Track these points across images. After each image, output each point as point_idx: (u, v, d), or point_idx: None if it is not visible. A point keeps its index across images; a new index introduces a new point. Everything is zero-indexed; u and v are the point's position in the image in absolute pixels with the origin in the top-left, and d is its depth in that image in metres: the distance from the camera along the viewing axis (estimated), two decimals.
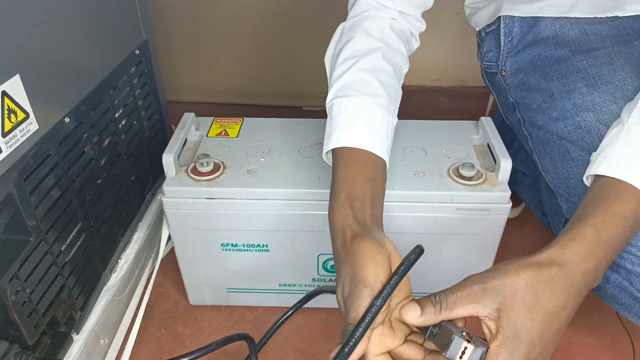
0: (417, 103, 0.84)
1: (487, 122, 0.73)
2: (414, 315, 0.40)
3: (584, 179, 0.51)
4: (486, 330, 0.39)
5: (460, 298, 0.39)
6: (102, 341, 0.67)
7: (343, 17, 0.64)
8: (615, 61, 0.60)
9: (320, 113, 0.95)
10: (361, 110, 0.53)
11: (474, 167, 0.65)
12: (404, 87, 0.61)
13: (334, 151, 0.53)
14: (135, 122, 0.76)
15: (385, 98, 0.55)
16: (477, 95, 0.79)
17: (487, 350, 0.38)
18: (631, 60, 0.59)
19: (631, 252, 0.52)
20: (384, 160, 0.53)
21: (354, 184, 0.49)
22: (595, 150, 0.55)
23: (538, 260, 0.40)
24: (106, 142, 0.68)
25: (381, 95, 0.54)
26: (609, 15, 0.64)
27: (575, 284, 0.40)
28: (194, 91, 1.30)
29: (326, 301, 0.76)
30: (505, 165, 0.64)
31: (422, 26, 0.66)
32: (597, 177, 0.48)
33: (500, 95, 0.76)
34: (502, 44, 0.71)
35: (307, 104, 1.29)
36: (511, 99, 0.72)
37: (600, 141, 0.55)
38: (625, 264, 0.53)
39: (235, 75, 1.28)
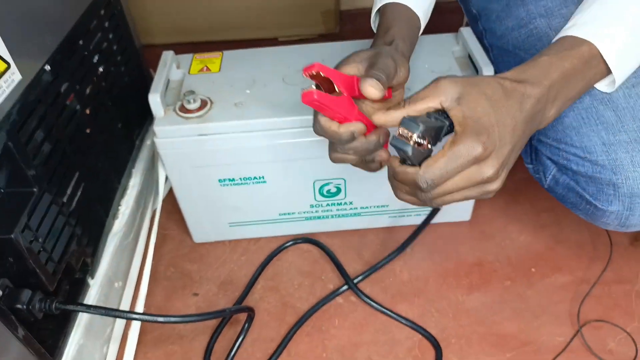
0: None
1: (466, 32, 0.73)
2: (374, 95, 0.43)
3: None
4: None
5: (425, 91, 0.42)
6: (116, 284, 0.70)
7: None
8: None
9: (296, 44, 0.93)
10: None
11: None
12: None
13: (379, 11, 0.59)
14: (112, 67, 0.75)
15: None
16: (453, 9, 0.79)
17: (449, 126, 0.41)
18: None
19: (576, 154, 0.56)
20: (419, 18, 0.58)
21: (388, 30, 0.55)
22: None
23: (497, 75, 0.44)
24: (88, 90, 0.67)
25: None
26: None
27: (528, 98, 0.43)
28: (165, 32, 1.26)
29: (324, 226, 0.80)
30: (488, 73, 0.66)
31: None
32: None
33: (466, 7, 0.76)
34: None
35: (282, 35, 1.26)
36: (474, 10, 0.72)
37: None
38: (571, 165, 0.57)
39: (205, 12, 1.23)
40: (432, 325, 0.70)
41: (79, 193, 0.62)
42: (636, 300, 0.72)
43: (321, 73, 0.43)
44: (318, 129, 0.47)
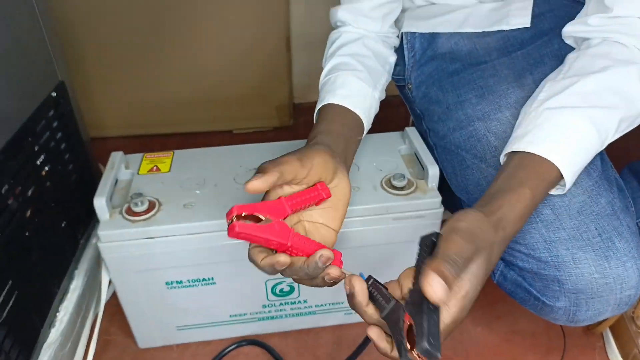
0: None
1: (411, 132, 0.77)
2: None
3: (501, 158, 0.55)
4: None
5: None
6: None
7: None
8: (499, 72, 0.66)
9: (251, 136, 0.94)
10: (343, 81, 0.63)
11: (404, 177, 0.68)
12: None
13: (318, 112, 0.61)
14: (59, 166, 0.73)
15: (365, 73, 0.65)
16: (401, 102, 0.84)
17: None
18: (513, 70, 0.66)
19: (520, 251, 0.58)
20: (359, 116, 0.61)
21: (332, 130, 0.56)
22: (485, 158, 0.61)
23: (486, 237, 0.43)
24: (30, 191, 0.65)
25: (361, 71, 0.64)
26: (495, 29, 0.69)
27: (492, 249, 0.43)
28: (118, 126, 1.26)
29: (277, 326, 0.77)
30: (433, 172, 0.68)
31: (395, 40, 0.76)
32: (512, 155, 0.52)
33: (410, 107, 0.81)
34: (406, 59, 0.76)
35: (237, 128, 1.29)
36: (417, 111, 0.77)
37: (489, 148, 0.62)
38: (517, 261, 0.59)
39: (158, 106, 1.25)
40: None
41: (10, 303, 0.58)
42: None
43: (243, 214, 0.42)
44: (250, 260, 0.45)
